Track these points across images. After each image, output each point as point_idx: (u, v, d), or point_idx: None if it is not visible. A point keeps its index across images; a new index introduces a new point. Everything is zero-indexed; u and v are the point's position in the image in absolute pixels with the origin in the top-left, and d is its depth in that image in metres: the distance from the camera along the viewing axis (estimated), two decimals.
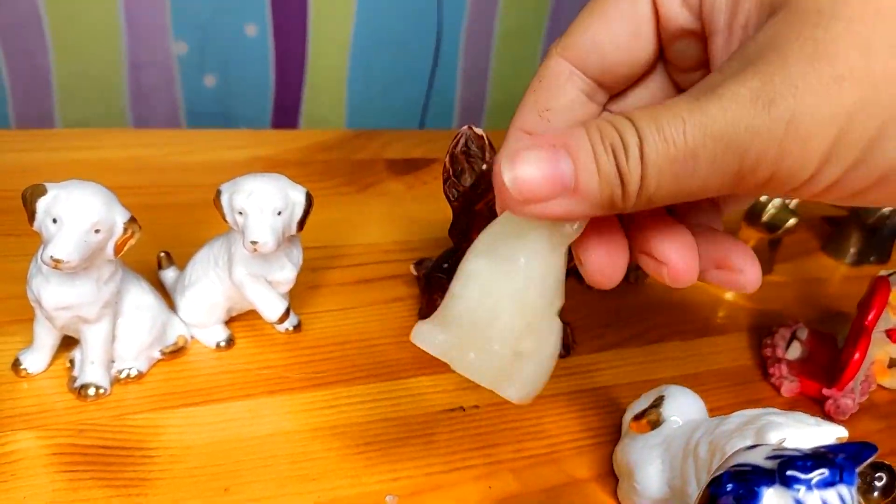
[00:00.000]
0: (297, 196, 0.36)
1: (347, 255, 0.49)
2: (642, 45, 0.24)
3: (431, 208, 0.55)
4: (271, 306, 0.37)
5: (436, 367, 0.41)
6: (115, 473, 0.32)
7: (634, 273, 0.51)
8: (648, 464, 0.30)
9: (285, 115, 0.76)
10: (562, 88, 0.25)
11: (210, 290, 0.39)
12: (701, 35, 0.23)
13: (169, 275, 0.42)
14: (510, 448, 0.37)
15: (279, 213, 0.35)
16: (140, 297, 0.37)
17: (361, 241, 0.51)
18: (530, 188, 0.20)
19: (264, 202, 0.34)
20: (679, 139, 0.19)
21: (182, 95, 0.71)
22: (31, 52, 0.63)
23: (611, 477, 0.36)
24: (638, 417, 0.33)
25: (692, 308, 0.50)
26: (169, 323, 0.38)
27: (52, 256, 0.30)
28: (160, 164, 0.55)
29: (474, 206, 0.39)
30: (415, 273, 0.45)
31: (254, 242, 0.34)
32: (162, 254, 0.42)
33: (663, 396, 0.32)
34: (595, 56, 0.24)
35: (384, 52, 0.73)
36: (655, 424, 0.31)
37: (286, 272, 0.38)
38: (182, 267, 0.41)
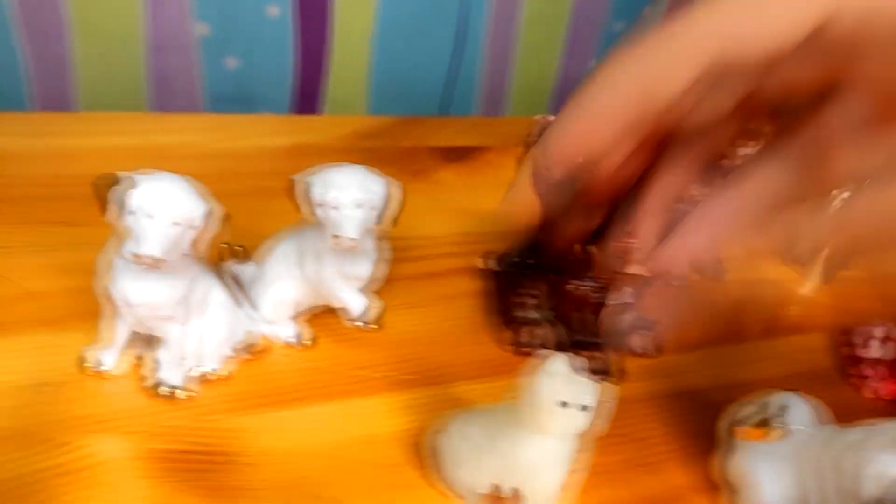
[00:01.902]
0: (380, 189, 0.34)
1: (409, 248, 0.47)
2: None
3: (485, 198, 0.53)
4: (352, 304, 0.35)
5: (518, 365, 0.39)
6: (201, 480, 0.30)
7: (715, 267, 0.49)
8: (772, 477, 0.29)
9: (306, 99, 0.74)
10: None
11: (287, 286, 0.37)
12: None
13: (245, 270, 0.40)
14: (604, 453, 0.35)
15: (363, 208, 0.33)
16: (216, 293, 0.35)
17: (421, 233, 0.49)
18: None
19: (353, 196, 0.32)
20: None
21: (203, 78, 0.69)
22: (51, 34, 0.61)
23: (712, 487, 0.34)
24: (759, 426, 0.31)
25: (776, 305, 0.48)
26: (243, 320, 0.36)
27: (134, 252, 0.28)
28: (206, 151, 0.53)
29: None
30: (484, 266, 0.43)
31: (339, 238, 0.32)
32: (238, 247, 0.40)
33: (786, 406, 0.30)
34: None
35: (407, 36, 0.71)
36: (780, 435, 0.29)
37: (364, 267, 0.36)
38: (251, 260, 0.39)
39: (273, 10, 0.67)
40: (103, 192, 0.28)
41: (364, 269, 0.36)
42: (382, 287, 0.43)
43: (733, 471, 0.32)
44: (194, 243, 0.30)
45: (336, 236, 0.32)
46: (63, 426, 0.31)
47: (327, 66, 0.71)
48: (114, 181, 0.28)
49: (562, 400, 0.26)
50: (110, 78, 0.66)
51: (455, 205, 0.51)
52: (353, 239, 0.32)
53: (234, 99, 0.71)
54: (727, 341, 0.44)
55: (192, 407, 0.33)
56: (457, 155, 0.58)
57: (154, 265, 0.29)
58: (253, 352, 0.36)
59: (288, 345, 0.38)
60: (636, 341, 0.41)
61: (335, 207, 0.32)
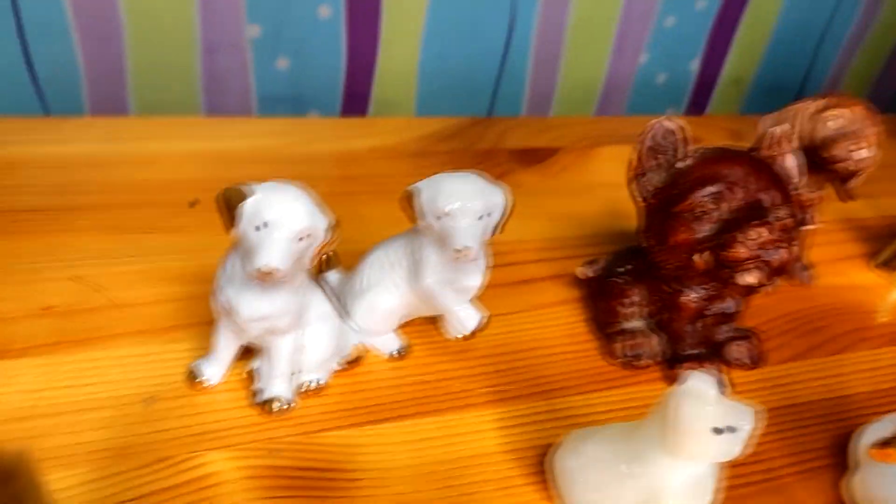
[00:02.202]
0: (498, 199, 0.33)
1: (499, 253, 0.45)
2: None
3: (571, 202, 0.52)
4: (466, 318, 0.34)
5: (623, 378, 0.38)
6: (321, 500, 0.30)
7: (804, 273, 0.47)
8: None
9: (356, 99, 0.73)
10: None
11: (387, 296, 0.36)
12: None
13: (333, 278, 0.39)
14: (726, 473, 0.34)
15: (482, 218, 0.32)
16: (321, 305, 0.34)
17: (509, 238, 0.47)
18: None
19: (475, 207, 0.31)
20: None
21: (254, 79, 0.69)
22: (107, 37, 0.61)
23: None
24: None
25: (868, 312, 0.46)
26: (348, 332, 0.35)
27: (260, 268, 0.27)
28: (281, 155, 0.53)
29: (672, 207, 0.35)
30: (586, 275, 0.41)
31: (460, 250, 0.31)
32: (325, 255, 0.38)
33: None
34: None
35: (456, 37, 0.70)
36: None
37: (475, 278, 0.35)
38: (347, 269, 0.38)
39: (324, 11, 0.66)
40: (232, 206, 0.27)
41: (476, 279, 0.34)
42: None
43: (869, 494, 0.31)
44: (312, 256, 0.29)
45: (458, 249, 0.31)
46: (177, 443, 0.31)
47: (376, 66, 0.70)
48: (243, 195, 0.27)
49: (716, 426, 0.24)
50: (164, 80, 0.65)
51: (538, 209, 0.50)
52: (470, 251, 0.31)
53: (284, 99, 0.71)
54: (825, 350, 0.43)
55: (300, 422, 0.33)
56: (534, 157, 0.56)
57: (275, 280, 0.28)
58: (354, 364, 0.35)
59: (388, 356, 0.37)
60: (733, 352, 0.39)
61: (456, 218, 0.31)
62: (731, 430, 0.25)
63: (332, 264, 0.39)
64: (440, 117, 0.64)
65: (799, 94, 0.81)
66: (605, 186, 0.55)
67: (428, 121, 0.62)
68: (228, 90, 0.69)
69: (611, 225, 0.50)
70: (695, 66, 0.76)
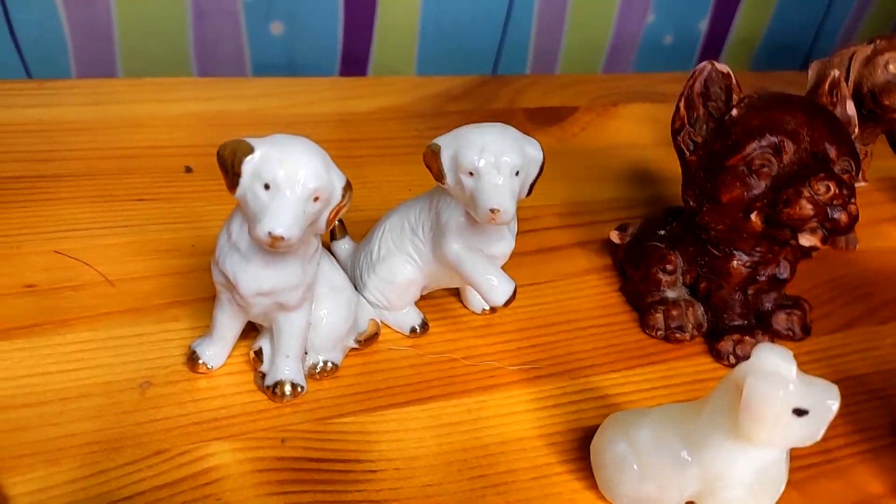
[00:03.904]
0: (535, 153, 0.29)
1: (521, 219, 0.42)
2: None
3: (594, 164, 0.48)
4: (498, 288, 0.30)
5: (663, 352, 0.35)
6: (338, 494, 0.26)
7: (845, 238, 0.44)
8: None
9: (354, 63, 0.70)
10: None
11: (406, 266, 0.32)
12: None
13: (343, 247, 0.35)
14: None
15: (517, 174, 0.28)
16: (333, 276, 0.30)
17: (531, 203, 0.44)
18: None
19: (502, 161, 0.28)
20: None
21: (248, 44, 0.65)
22: (92, 1, 0.56)
23: None
24: None
25: None
26: (365, 307, 0.32)
27: (270, 232, 0.23)
28: (280, 117, 0.49)
29: (723, 160, 0.31)
30: (617, 241, 0.38)
31: (494, 210, 0.27)
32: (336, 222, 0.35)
33: None
34: None
35: None
36: None
37: (506, 244, 0.31)
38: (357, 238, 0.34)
39: None
40: (235, 163, 0.24)
41: (507, 246, 0.31)
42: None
43: None
44: (327, 219, 0.26)
45: (493, 209, 0.27)
46: (176, 433, 0.27)
47: (375, 27, 0.66)
48: (246, 150, 0.24)
49: (798, 407, 0.21)
50: (154, 44, 0.61)
51: (560, 172, 0.46)
52: (505, 211, 0.27)
53: (279, 66, 0.67)
54: (873, 319, 0.39)
55: (312, 407, 0.29)
56: (552, 116, 0.53)
57: (286, 247, 0.24)
58: (370, 341, 0.32)
59: (408, 333, 0.33)
60: (781, 322, 0.36)
61: (489, 175, 0.27)
62: (814, 410, 0.22)
63: (338, 234, 0.35)
64: (447, 76, 0.60)
65: (809, 55, 0.78)
66: (628, 147, 0.51)
67: (435, 79, 0.58)
68: (221, 56, 0.65)
69: (637, 187, 0.47)
70: (703, 25, 0.73)
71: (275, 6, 0.62)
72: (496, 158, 0.27)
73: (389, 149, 0.47)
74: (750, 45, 0.76)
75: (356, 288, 0.33)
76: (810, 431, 0.22)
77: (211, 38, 0.63)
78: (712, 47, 0.74)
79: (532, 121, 0.52)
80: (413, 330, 0.33)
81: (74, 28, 0.57)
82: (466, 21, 0.68)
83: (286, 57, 0.67)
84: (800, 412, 0.21)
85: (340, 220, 0.35)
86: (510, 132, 0.29)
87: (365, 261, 0.33)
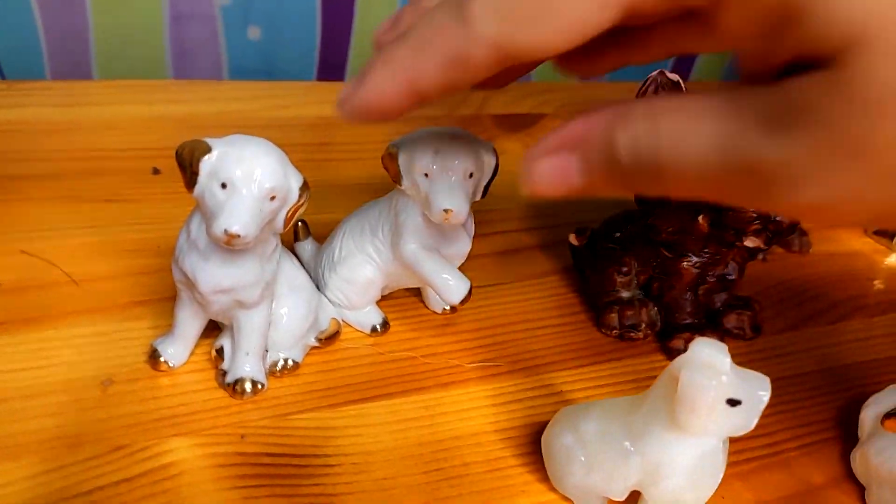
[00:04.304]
0: (488, 157, 0.30)
1: (483, 222, 0.43)
2: None
3: None
4: (453, 287, 0.31)
5: (617, 350, 0.36)
6: (294, 488, 0.27)
7: (799, 240, 0.46)
8: None
9: (331, 68, 0.70)
10: (485, 67, 0.20)
11: (366, 266, 0.33)
12: None
13: (306, 248, 0.36)
14: (731, 448, 0.32)
15: (471, 176, 0.29)
16: (294, 275, 0.31)
17: (493, 206, 0.45)
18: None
19: (456, 163, 0.29)
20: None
21: (225, 49, 0.65)
22: (68, 3, 0.57)
23: (850, 482, 0.31)
24: None
25: (864, 280, 0.45)
26: (327, 305, 0.33)
27: (226, 230, 0.24)
28: (252, 120, 0.49)
29: None
30: (575, 243, 0.39)
31: (447, 211, 0.28)
32: (299, 223, 0.36)
33: None
34: None
35: None
36: None
37: (462, 245, 0.32)
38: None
39: None
40: (192, 162, 0.25)
41: (463, 246, 0.32)
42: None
43: (873, 464, 0.29)
44: (285, 219, 0.27)
45: (446, 210, 0.28)
46: (136, 430, 0.28)
47: (353, 34, 0.67)
48: (204, 150, 0.24)
49: (731, 398, 0.22)
50: (130, 49, 0.62)
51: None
52: (458, 212, 0.28)
53: (256, 70, 0.68)
54: (822, 320, 0.41)
55: (272, 404, 0.30)
56: (519, 122, 0.54)
57: (242, 245, 0.25)
58: (331, 339, 0.33)
59: (368, 332, 0.34)
60: (733, 321, 0.37)
61: (442, 176, 0.28)
62: (747, 401, 0.23)
63: (301, 235, 0.36)
64: None
65: None
66: None
67: None
68: (197, 60, 0.65)
69: None
70: None
71: (252, 10, 0.63)
72: (450, 161, 0.28)
73: (358, 153, 0.48)
74: (723, 56, 0.77)
75: (318, 288, 0.34)
76: (743, 421, 0.23)
77: (187, 42, 0.63)
78: (686, 57, 0.75)
79: (500, 127, 0.53)
80: (374, 329, 0.34)
81: (50, 33, 0.57)
82: None
83: (264, 62, 0.67)
84: (733, 402, 0.23)
85: (304, 222, 0.36)
86: (465, 136, 0.30)
87: (327, 261, 0.34)
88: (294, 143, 0.47)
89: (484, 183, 0.30)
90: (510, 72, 0.22)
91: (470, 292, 0.31)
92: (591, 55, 0.23)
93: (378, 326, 0.34)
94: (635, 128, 0.19)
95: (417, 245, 0.31)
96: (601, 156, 0.20)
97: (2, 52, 0.56)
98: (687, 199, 0.32)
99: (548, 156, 0.21)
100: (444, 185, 0.28)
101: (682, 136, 0.18)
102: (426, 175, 0.29)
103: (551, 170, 0.21)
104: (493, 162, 0.30)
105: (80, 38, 0.59)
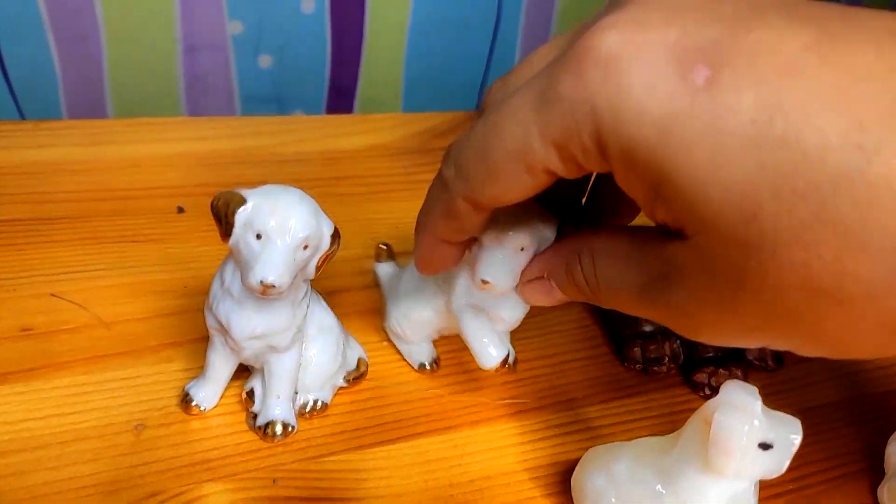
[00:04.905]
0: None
1: None
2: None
3: None
4: (487, 353, 0.30)
5: (641, 384, 0.36)
6: None
7: None
8: None
9: (341, 96, 0.71)
10: (470, 215, 0.25)
11: (426, 306, 0.33)
12: None
13: (385, 269, 0.37)
14: (759, 483, 0.32)
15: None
16: (323, 316, 0.31)
17: None
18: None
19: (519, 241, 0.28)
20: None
21: (237, 77, 0.66)
22: (84, 37, 0.58)
23: None
24: None
25: None
26: (354, 345, 0.33)
27: (262, 281, 0.24)
28: (269, 155, 0.50)
29: None
30: None
31: (485, 282, 0.28)
32: (382, 245, 0.38)
33: None
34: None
35: (442, 31, 0.68)
36: None
37: (515, 312, 0.31)
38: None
39: (307, 6, 0.64)
40: (228, 213, 0.25)
41: (516, 311, 0.31)
42: None
43: None
44: (316, 266, 0.27)
45: (485, 281, 0.28)
46: (170, 475, 0.28)
47: (362, 62, 0.68)
48: (239, 201, 0.25)
49: (763, 441, 0.23)
50: (144, 80, 0.63)
51: None
52: (498, 285, 0.28)
53: (268, 98, 0.69)
54: None
55: (302, 446, 0.30)
56: None
57: (276, 294, 0.25)
58: (359, 379, 0.33)
59: (416, 367, 0.34)
60: (754, 353, 0.38)
61: (483, 245, 0.28)
62: (778, 444, 0.23)
63: (384, 256, 0.38)
64: (434, 112, 0.62)
65: None
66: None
67: (421, 116, 0.59)
68: (210, 90, 0.66)
69: None
70: None
71: (264, 39, 0.64)
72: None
73: (376, 186, 0.48)
74: None
75: (387, 310, 0.35)
76: (776, 464, 0.23)
77: (200, 72, 0.64)
78: None
79: None
80: (422, 365, 0.34)
81: (65, 65, 0.58)
82: (451, 56, 0.70)
83: (274, 89, 0.68)
84: (765, 446, 0.23)
85: (388, 245, 0.38)
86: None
87: (392, 291, 0.35)
88: (314, 177, 0.49)
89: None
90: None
91: (506, 361, 0.31)
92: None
93: (427, 364, 0.34)
94: (582, 265, 0.25)
95: (466, 302, 0.31)
96: (567, 282, 0.26)
97: (19, 87, 0.57)
98: None
99: (534, 281, 0.28)
100: (490, 257, 0.28)
101: (613, 278, 0.24)
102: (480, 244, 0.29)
103: (539, 290, 0.28)
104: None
105: (95, 70, 0.60)
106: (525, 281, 0.28)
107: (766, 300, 0.19)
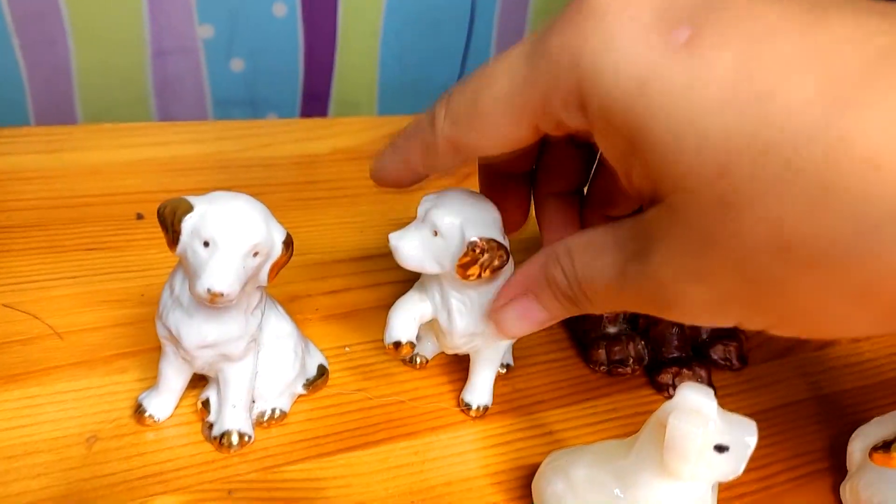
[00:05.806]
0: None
1: None
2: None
3: None
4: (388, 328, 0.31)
5: (605, 386, 0.36)
6: None
7: None
8: None
9: (314, 100, 0.71)
10: (448, 156, 0.26)
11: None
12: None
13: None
14: (723, 483, 0.32)
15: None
16: (279, 324, 0.31)
17: None
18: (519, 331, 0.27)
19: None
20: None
21: (208, 82, 0.66)
22: (50, 41, 0.57)
23: None
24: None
25: None
26: (314, 352, 0.32)
27: (209, 289, 0.24)
28: (236, 160, 0.49)
29: None
30: None
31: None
32: None
33: None
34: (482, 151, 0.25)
35: (416, 32, 0.68)
36: None
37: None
38: None
39: (279, 9, 0.63)
40: (174, 221, 0.24)
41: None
42: None
43: (864, 498, 0.29)
44: (268, 273, 0.26)
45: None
46: (122, 488, 0.28)
47: (336, 65, 0.68)
48: (186, 209, 0.24)
49: (718, 444, 0.22)
50: (113, 85, 0.62)
51: None
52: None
53: (240, 102, 0.68)
54: (808, 346, 0.41)
55: (260, 455, 0.30)
56: None
57: (225, 303, 0.25)
58: (318, 386, 0.33)
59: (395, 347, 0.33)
60: (719, 352, 0.38)
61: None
62: (734, 447, 0.23)
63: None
64: (404, 115, 0.61)
65: None
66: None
67: (391, 119, 0.59)
68: (182, 94, 0.65)
69: None
70: None
71: (235, 43, 0.63)
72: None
73: (342, 190, 0.48)
74: None
75: None
76: (732, 466, 0.23)
77: (171, 76, 0.63)
78: None
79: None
80: (398, 344, 0.31)
81: (32, 71, 0.57)
82: (425, 57, 0.70)
83: (247, 93, 0.68)
84: (721, 448, 0.23)
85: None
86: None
87: None
88: (280, 182, 0.48)
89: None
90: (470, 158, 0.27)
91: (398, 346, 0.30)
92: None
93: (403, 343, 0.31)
94: (560, 264, 0.24)
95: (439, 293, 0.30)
96: (547, 289, 0.25)
97: None
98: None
99: (511, 303, 0.26)
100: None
101: (592, 267, 0.23)
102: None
103: (517, 313, 0.26)
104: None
105: (63, 77, 0.59)
106: (499, 306, 0.27)
107: (738, 260, 0.19)
